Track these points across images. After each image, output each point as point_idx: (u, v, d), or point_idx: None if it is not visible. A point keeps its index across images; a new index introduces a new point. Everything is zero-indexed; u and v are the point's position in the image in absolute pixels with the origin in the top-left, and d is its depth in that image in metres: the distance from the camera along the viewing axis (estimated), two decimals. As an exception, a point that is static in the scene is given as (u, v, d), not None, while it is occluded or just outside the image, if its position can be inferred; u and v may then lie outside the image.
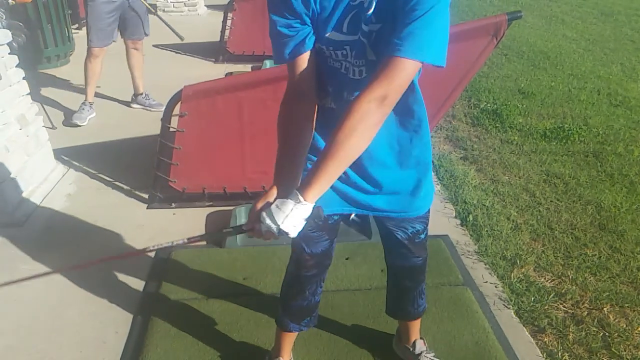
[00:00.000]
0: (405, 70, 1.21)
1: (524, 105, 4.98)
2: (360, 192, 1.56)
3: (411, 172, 1.55)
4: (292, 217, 1.21)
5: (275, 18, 1.31)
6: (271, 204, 1.26)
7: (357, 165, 1.49)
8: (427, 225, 1.72)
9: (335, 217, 1.63)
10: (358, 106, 1.21)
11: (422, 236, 1.73)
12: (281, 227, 1.21)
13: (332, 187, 1.52)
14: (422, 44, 1.19)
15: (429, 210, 1.68)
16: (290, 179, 1.36)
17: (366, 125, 1.22)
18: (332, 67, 1.37)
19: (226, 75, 5.27)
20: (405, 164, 1.52)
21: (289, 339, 1.92)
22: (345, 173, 1.50)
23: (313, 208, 1.23)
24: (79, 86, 5.06)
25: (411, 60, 1.19)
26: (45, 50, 5.49)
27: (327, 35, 1.31)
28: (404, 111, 1.42)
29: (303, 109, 1.40)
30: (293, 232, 1.23)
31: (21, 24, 3.52)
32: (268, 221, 1.23)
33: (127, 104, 4.64)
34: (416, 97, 1.43)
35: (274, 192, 1.34)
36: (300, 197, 1.22)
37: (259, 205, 1.30)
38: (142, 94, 4.56)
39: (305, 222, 1.24)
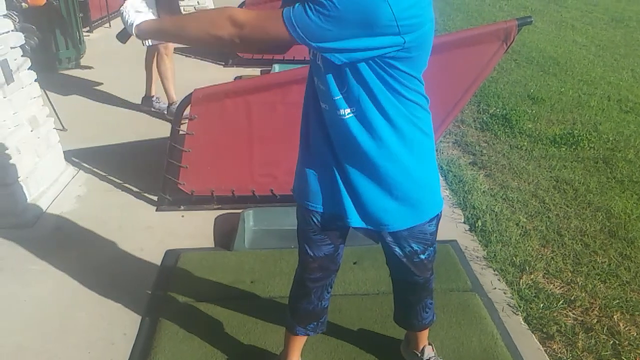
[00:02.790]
0: (273, 26, 1.25)
1: (534, 111, 4.96)
2: (344, 198, 1.53)
3: (382, 183, 1.49)
4: (128, 13, 1.54)
5: None
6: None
7: (339, 167, 1.50)
8: (428, 246, 1.65)
9: (339, 223, 1.60)
10: (222, 13, 1.31)
11: (422, 257, 1.66)
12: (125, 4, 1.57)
13: (328, 186, 1.54)
14: (306, 26, 1.22)
15: (429, 232, 1.61)
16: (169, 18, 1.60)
17: (209, 31, 1.33)
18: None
19: (235, 79, 5.28)
20: (373, 174, 1.47)
21: (298, 343, 1.91)
22: (332, 176, 1.51)
23: (129, 32, 1.57)
24: (89, 88, 5.10)
25: (284, 26, 1.23)
26: (57, 53, 5.54)
27: None
28: (362, 118, 1.39)
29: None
30: (123, 14, 1.56)
31: (34, 26, 3.55)
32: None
33: (137, 106, 4.66)
34: (382, 109, 1.37)
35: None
36: (138, 23, 1.51)
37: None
38: (153, 96, 4.57)
39: (122, 26, 1.60)
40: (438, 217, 1.64)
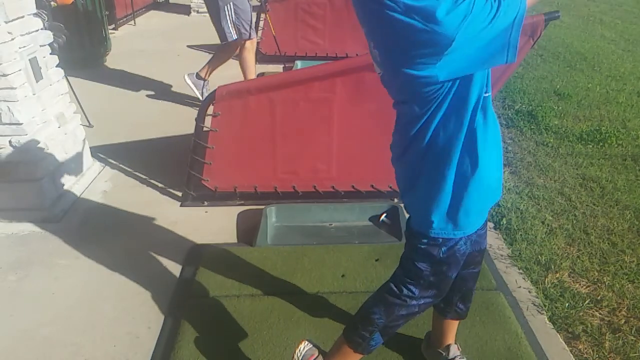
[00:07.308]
0: None
1: (560, 107, 4.87)
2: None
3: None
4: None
5: None
6: None
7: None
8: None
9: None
10: None
11: (486, 243, 1.79)
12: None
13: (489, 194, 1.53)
14: None
15: None
16: None
17: None
18: None
19: (258, 75, 5.30)
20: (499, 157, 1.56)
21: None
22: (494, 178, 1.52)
23: None
24: (115, 85, 5.17)
25: None
26: (84, 51, 5.63)
27: None
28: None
29: None
30: None
31: (62, 25, 3.61)
32: None
33: (162, 102, 4.71)
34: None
35: None
36: None
37: None
38: (206, 80, 4.59)
39: None
40: None
